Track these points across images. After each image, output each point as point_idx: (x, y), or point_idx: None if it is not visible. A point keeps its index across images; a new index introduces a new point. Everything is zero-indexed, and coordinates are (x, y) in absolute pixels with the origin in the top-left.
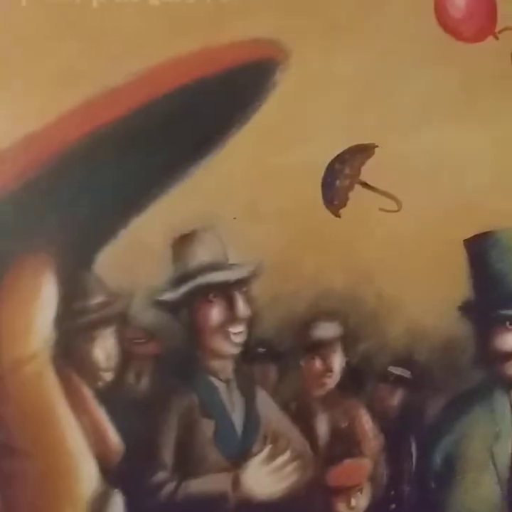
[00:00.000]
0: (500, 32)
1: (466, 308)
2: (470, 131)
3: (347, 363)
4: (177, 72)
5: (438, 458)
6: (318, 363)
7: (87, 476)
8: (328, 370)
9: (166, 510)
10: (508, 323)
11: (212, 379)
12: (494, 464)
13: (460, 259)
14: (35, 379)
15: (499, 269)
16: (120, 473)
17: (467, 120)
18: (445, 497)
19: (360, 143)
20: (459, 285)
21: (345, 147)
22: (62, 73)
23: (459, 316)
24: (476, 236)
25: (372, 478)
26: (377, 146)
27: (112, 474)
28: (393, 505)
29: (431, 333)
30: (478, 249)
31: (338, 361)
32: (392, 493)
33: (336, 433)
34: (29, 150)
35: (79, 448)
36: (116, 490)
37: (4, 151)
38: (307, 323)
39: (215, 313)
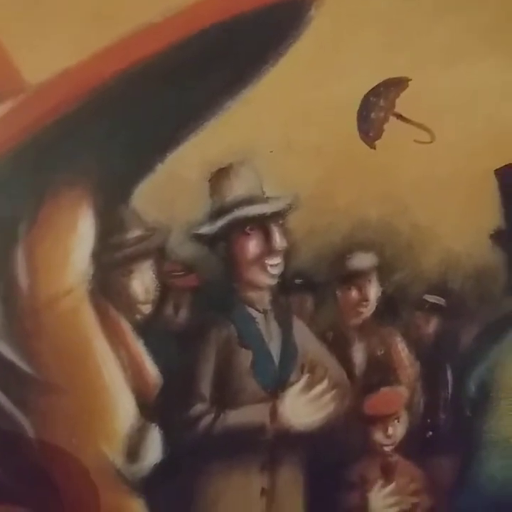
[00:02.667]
0: None
1: (498, 237)
2: (502, 65)
3: (383, 293)
4: (214, 9)
5: (472, 385)
6: (354, 293)
7: (124, 411)
8: (364, 299)
9: (203, 442)
10: None
11: (250, 310)
12: None
13: (492, 189)
14: (72, 314)
15: None
16: (158, 407)
17: (500, 54)
18: (480, 424)
19: (395, 76)
20: (490, 214)
21: (381, 81)
22: (99, 9)
23: (491, 245)
24: (506, 166)
25: (409, 407)
26: (410, 80)
27: (150, 408)
28: (430, 433)
29: (464, 261)
30: (509, 178)
31: (373, 291)
32: (429, 420)
33: (372, 361)
34: (65, 85)
35: (116, 383)
36: (153, 424)
37: (40, 85)
38: (343, 255)
39: (252, 246)
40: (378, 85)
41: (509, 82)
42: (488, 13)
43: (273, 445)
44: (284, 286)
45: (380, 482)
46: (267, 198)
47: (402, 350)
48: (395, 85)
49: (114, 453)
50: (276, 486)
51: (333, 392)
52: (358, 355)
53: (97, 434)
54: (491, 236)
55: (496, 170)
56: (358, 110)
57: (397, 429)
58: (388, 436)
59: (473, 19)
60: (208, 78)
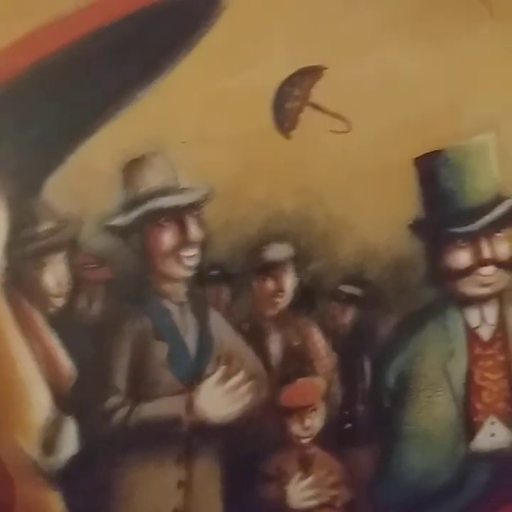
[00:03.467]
0: None
1: (417, 227)
2: (420, 52)
3: (298, 283)
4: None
5: (391, 377)
6: (269, 284)
7: (39, 404)
8: (280, 290)
9: (119, 435)
10: (459, 240)
11: (165, 302)
12: (448, 382)
13: (410, 179)
14: None
15: (449, 187)
16: (73, 400)
17: (418, 41)
18: (399, 416)
19: (310, 65)
20: (409, 204)
21: (296, 70)
22: (9, 1)
23: (410, 235)
24: (425, 155)
25: (327, 398)
26: (326, 69)
27: (65, 401)
28: (348, 425)
29: (382, 252)
30: (428, 167)
31: (289, 281)
32: (347, 412)
33: (288, 352)
34: None
35: (30, 375)
36: (69, 417)
37: None
38: (258, 246)
39: (167, 238)
40: (293, 74)
41: (426, 70)
42: (405, 2)
43: (189, 437)
44: (200, 278)
45: (298, 475)
46: (182, 189)
47: (318, 340)
48: (310, 74)
49: (30, 445)
50: (193, 478)
51: (250, 383)
52: (275, 346)
53: (12, 427)
54: (410, 226)
55: (415, 159)
56: (273, 100)
57: (315, 421)
58: (305, 428)
59: (388, 6)
60: (121, 69)
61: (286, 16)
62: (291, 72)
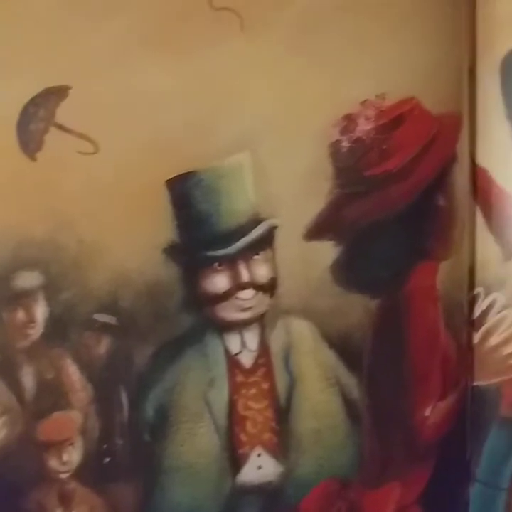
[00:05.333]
0: None
1: (172, 251)
2: (167, 69)
3: (50, 313)
4: None
5: (150, 409)
6: (20, 314)
7: None
8: (31, 320)
9: None
10: (216, 264)
11: None
12: (210, 413)
13: (163, 201)
14: None
15: (203, 210)
16: None
17: (164, 58)
18: (161, 449)
19: (55, 85)
20: (162, 227)
21: (41, 90)
22: None
23: (165, 260)
24: (177, 176)
25: (84, 432)
26: (70, 88)
27: None
28: (107, 459)
29: (136, 278)
30: (181, 189)
31: (40, 311)
32: (105, 446)
33: (43, 385)
34: None
35: None
36: None
37: None
38: (7, 275)
39: None
40: (37, 95)
41: (174, 87)
42: (150, 15)
43: None
44: None
45: (58, 510)
46: None
47: (72, 373)
48: (54, 94)
49: None
50: None
51: (3, 418)
52: (28, 379)
53: None
54: (164, 250)
55: (167, 181)
56: (17, 122)
57: (73, 455)
58: (63, 463)
59: (135, 22)
60: None
61: (30, 34)
62: (37, 91)
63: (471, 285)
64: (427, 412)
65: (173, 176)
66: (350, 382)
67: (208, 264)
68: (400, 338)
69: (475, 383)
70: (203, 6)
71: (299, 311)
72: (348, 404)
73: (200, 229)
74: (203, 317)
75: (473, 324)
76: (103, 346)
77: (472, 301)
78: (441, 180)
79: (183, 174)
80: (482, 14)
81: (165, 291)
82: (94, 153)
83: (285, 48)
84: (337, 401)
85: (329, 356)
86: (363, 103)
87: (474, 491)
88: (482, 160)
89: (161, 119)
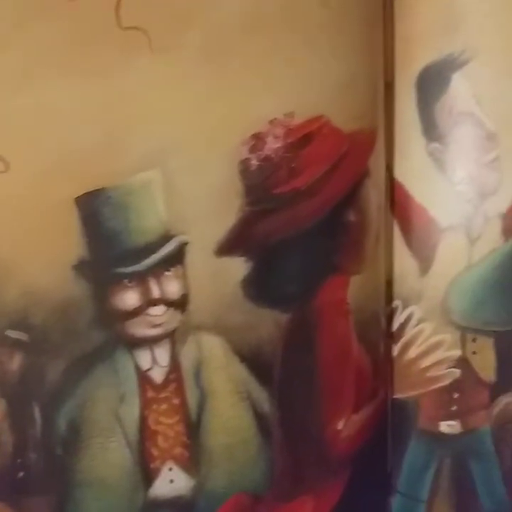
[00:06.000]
0: None
1: (82, 268)
2: (74, 88)
3: None
4: None
5: (62, 423)
6: None
7: None
8: None
9: None
10: (126, 280)
11: None
12: (122, 427)
13: (73, 219)
14: None
15: (112, 227)
16: None
17: (71, 76)
18: (73, 463)
19: None
20: (73, 245)
21: None
22: None
23: (75, 277)
24: (86, 194)
25: None
26: None
27: None
28: (21, 474)
29: (47, 295)
30: (90, 207)
31: None
32: (19, 461)
33: None
34: None
35: None
36: None
37: None
38: None
39: None
40: None
41: (82, 106)
42: (59, 35)
43: None
44: None
45: None
46: None
47: None
48: None
49: None
50: None
51: None
52: None
53: None
54: (75, 267)
55: (76, 198)
56: None
57: None
58: None
59: (44, 41)
60: None
61: None
62: None
63: (390, 298)
64: (340, 425)
65: (82, 193)
66: (262, 396)
67: (118, 280)
68: (311, 351)
69: (395, 396)
70: (111, 26)
71: (210, 326)
72: (260, 418)
73: (109, 246)
74: (114, 333)
75: (392, 337)
76: (15, 362)
77: (391, 314)
78: (352, 196)
79: (91, 192)
80: (400, 28)
81: (76, 307)
82: (3, 171)
83: (194, 67)
84: (248, 415)
85: (240, 371)
86: (272, 122)
87: (395, 502)
88: (399, 175)
89: (71, 137)
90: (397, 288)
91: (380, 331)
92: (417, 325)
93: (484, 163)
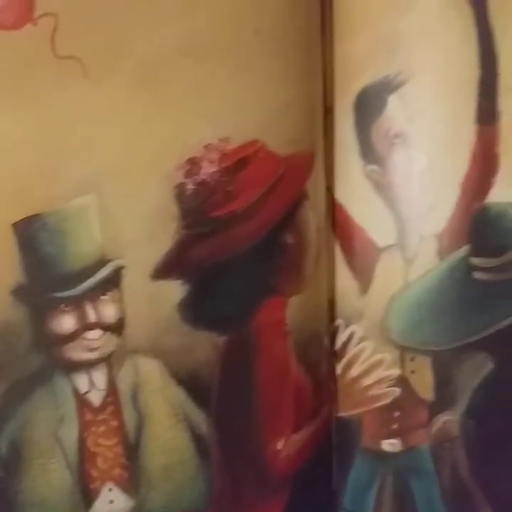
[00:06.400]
0: (39, 18)
1: (20, 293)
2: (12, 116)
3: None
4: None
5: (3, 444)
6: None
7: None
8: None
9: None
10: (62, 305)
11: None
12: (62, 449)
13: (10, 244)
14: None
15: (49, 252)
16: None
17: (8, 105)
18: (15, 484)
19: None
20: (10, 270)
21: None
22: None
23: (13, 301)
24: (23, 220)
25: None
26: None
27: None
28: None
29: None
30: (27, 232)
31: None
32: None
33: None
34: None
35: None
36: None
37: None
38: None
39: None
40: None
41: (18, 134)
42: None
43: None
44: None
45: None
46: None
47: None
48: None
49: None
50: None
51: None
52: None
53: None
54: (13, 292)
55: (13, 224)
56: None
57: None
58: None
59: None
60: None
61: None
62: None
63: (333, 317)
64: (279, 445)
65: (19, 219)
66: (199, 418)
67: (54, 305)
68: (248, 373)
69: (339, 414)
70: (46, 55)
71: (147, 349)
72: (197, 439)
73: (46, 271)
74: (52, 357)
75: (335, 355)
76: None
77: (334, 333)
78: (289, 218)
79: (28, 217)
80: (339, 52)
81: (14, 331)
82: None
83: (128, 94)
84: (186, 437)
85: (178, 393)
86: (206, 147)
87: None
88: (340, 196)
89: (7, 164)
90: (339, 307)
91: (322, 350)
92: (358, 343)
93: (419, 184)
